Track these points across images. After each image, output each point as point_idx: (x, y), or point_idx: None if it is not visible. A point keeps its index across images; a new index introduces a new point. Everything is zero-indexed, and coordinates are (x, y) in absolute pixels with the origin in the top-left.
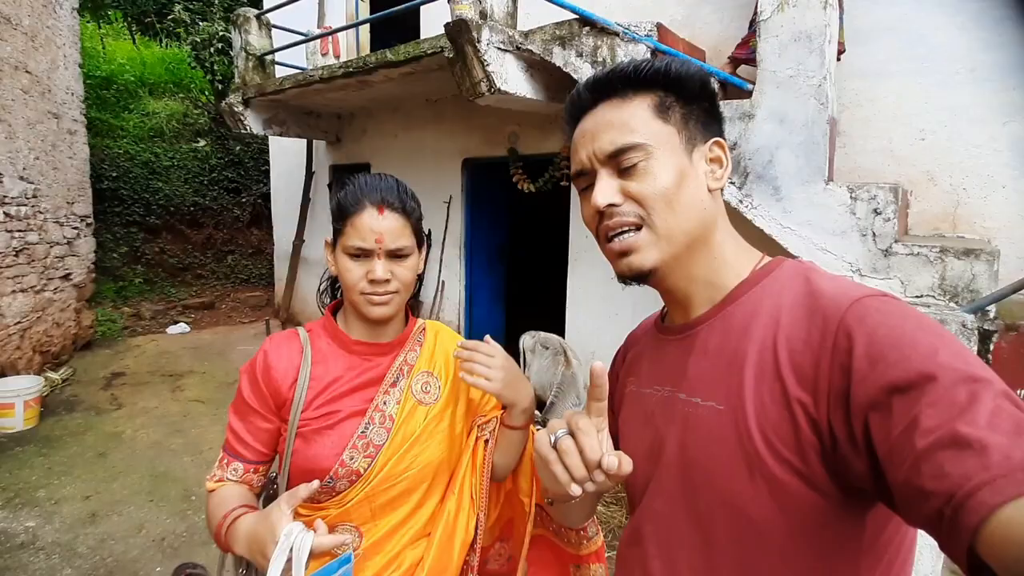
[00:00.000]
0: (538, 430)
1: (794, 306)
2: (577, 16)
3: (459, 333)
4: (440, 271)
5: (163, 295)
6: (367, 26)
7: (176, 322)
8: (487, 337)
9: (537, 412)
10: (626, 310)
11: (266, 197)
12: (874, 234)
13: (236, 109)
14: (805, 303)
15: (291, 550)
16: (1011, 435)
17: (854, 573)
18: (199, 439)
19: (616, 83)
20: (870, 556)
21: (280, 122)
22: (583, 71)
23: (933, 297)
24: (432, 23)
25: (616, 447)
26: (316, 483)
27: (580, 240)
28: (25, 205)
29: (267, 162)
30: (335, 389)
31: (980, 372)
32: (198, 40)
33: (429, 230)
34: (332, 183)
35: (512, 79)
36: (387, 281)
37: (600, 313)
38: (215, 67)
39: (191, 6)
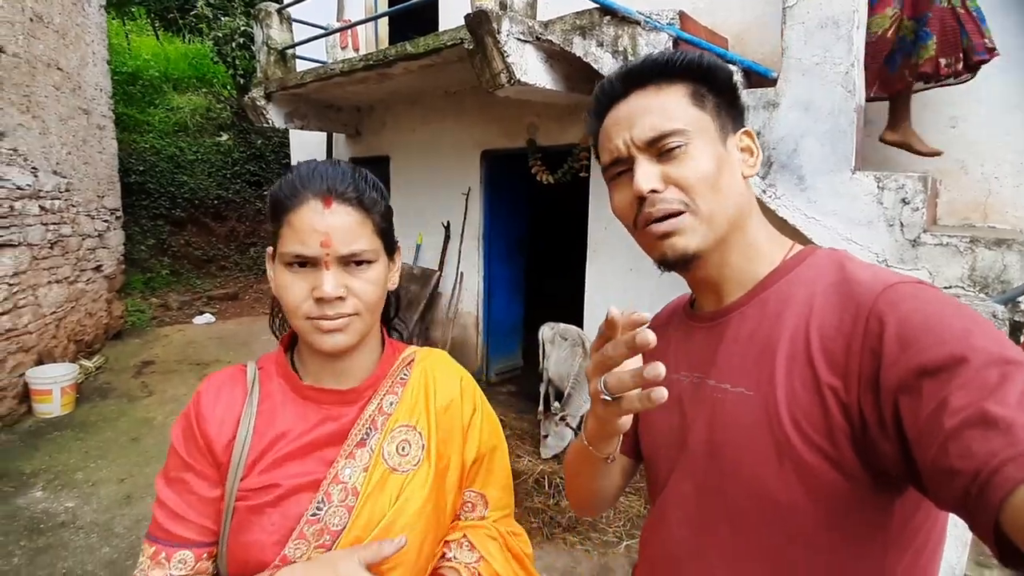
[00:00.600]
0: (558, 422)
1: (827, 293)
2: (598, 5)
3: (478, 324)
4: (459, 263)
5: (189, 286)
6: (386, 19)
7: (202, 312)
8: None
9: (556, 403)
10: (644, 301)
11: None
12: (902, 224)
13: (258, 103)
14: (839, 290)
15: None
16: None
17: (882, 559)
18: None
19: (650, 73)
20: (899, 543)
21: (301, 116)
22: (604, 61)
23: (963, 288)
24: (449, 15)
25: (639, 433)
26: (403, 539)
27: (599, 231)
28: (59, 199)
29: (288, 155)
30: (280, 449)
31: (1013, 355)
32: (220, 35)
33: (448, 222)
34: None
35: (532, 70)
36: (340, 300)
37: (618, 304)
38: (237, 62)
39: (212, 1)
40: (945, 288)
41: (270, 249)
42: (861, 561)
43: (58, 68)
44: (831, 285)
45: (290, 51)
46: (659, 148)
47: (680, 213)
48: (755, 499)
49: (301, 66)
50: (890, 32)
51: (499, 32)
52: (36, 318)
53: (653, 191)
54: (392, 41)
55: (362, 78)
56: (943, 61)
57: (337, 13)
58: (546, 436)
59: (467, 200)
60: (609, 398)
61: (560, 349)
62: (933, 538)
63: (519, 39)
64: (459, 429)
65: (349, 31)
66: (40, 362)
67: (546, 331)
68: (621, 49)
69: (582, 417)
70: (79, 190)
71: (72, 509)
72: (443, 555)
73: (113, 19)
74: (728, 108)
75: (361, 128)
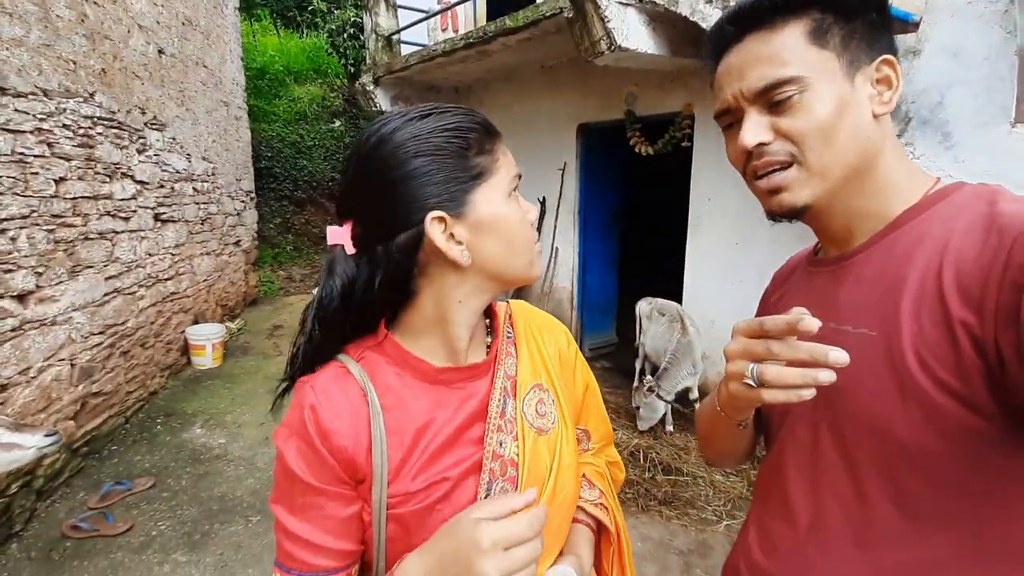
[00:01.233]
0: (647, 393)
1: (970, 229)
2: None
3: (572, 300)
4: (554, 238)
5: (309, 261)
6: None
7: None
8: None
9: (650, 376)
10: (751, 276)
11: None
12: None
13: (368, 88)
14: (983, 224)
15: None
16: None
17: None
18: None
19: (764, 10)
20: None
21: (405, 98)
22: (712, 18)
23: None
24: None
25: None
26: (533, 492)
27: (702, 204)
28: (207, 181)
29: None
30: (430, 441)
31: None
32: (333, 27)
33: (544, 197)
34: None
35: (633, 34)
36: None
37: (722, 279)
38: (348, 52)
39: None
40: None
41: (434, 214)
42: (985, 504)
43: (204, 65)
44: (975, 220)
45: (395, 36)
46: (770, 98)
47: (788, 165)
48: (874, 436)
49: (405, 51)
50: None
51: None
52: (192, 284)
53: (760, 144)
54: (490, 19)
55: (462, 57)
56: None
57: None
58: (638, 408)
59: (563, 175)
60: (754, 384)
61: (657, 324)
62: None
63: (620, 2)
64: (570, 373)
65: (449, 13)
66: (196, 322)
67: (643, 306)
68: (731, 3)
69: (678, 393)
70: (222, 174)
71: (224, 445)
72: None
73: (243, 20)
74: (863, 35)
75: None
